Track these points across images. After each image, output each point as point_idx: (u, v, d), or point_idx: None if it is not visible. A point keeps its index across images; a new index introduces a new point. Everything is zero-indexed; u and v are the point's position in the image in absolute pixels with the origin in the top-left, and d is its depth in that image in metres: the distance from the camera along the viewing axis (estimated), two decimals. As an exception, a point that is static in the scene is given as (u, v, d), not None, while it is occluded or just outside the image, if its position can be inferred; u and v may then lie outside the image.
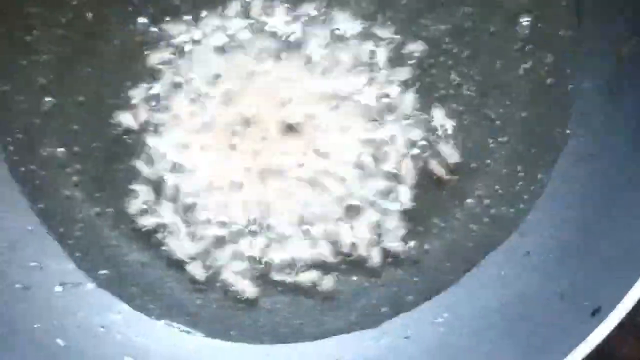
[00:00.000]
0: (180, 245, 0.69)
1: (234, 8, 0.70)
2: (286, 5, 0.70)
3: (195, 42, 0.70)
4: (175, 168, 0.69)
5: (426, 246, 0.70)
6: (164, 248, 0.70)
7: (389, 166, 0.69)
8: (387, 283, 0.70)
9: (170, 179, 0.69)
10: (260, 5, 0.70)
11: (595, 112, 0.68)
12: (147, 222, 0.69)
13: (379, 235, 0.69)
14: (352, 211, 0.69)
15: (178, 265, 0.70)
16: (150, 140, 0.69)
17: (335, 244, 0.69)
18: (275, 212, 0.69)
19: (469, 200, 0.70)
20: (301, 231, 0.69)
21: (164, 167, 0.69)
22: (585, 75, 0.69)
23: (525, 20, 0.70)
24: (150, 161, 0.69)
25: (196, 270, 0.69)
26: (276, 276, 0.69)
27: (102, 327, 0.68)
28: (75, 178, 0.70)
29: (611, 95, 0.68)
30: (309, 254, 0.69)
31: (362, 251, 0.69)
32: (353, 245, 0.69)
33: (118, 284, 0.70)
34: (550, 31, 0.70)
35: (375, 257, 0.69)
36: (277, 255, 0.69)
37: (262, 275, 0.70)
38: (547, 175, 0.70)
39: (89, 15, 0.70)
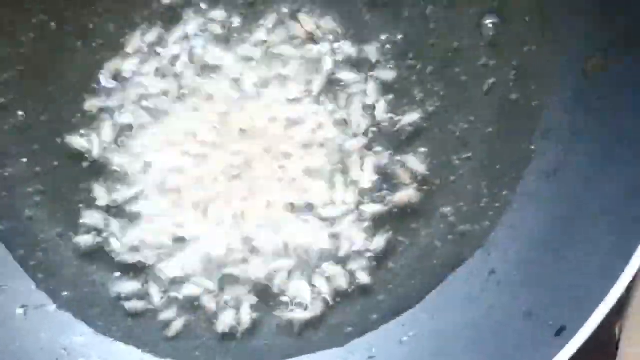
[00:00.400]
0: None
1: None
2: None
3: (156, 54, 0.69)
4: (135, 186, 0.69)
5: (391, 264, 0.69)
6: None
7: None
8: (352, 302, 0.69)
9: (129, 202, 0.69)
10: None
11: (560, 128, 0.68)
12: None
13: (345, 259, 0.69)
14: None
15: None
16: (111, 160, 0.69)
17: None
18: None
19: (433, 218, 0.69)
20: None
21: (123, 191, 0.69)
22: (550, 90, 0.68)
23: (489, 36, 0.69)
24: (109, 181, 0.69)
25: (155, 294, 0.68)
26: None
27: (64, 349, 0.68)
28: (37, 198, 0.69)
29: (576, 110, 0.67)
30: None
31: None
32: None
33: (80, 305, 0.69)
34: (514, 47, 0.69)
35: (341, 280, 0.69)
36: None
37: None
38: (512, 192, 0.69)
39: (51, 33, 0.69)
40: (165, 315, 0.69)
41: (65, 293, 0.69)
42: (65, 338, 0.68)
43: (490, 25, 0.69)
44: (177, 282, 0.69)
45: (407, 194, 0.69)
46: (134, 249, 0.68)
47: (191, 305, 0.69)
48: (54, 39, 0.69)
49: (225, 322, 0.68)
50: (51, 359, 0.67)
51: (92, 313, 0.69)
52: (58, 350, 0.68)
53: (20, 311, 0.68)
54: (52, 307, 0.69)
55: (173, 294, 0.69)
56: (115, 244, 0.68)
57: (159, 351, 0.69)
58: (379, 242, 0.69)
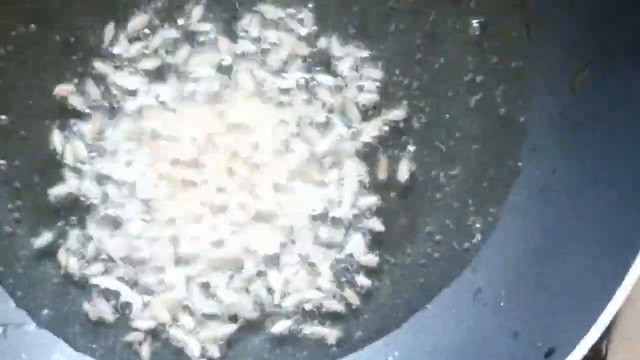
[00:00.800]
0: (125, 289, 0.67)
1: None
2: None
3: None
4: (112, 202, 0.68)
5: (376, 283, 0.68)
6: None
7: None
8: (336, 321, 0.68)
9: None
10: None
11: (547, 145, 0.67)
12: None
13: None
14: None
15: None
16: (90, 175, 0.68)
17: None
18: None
19: (419, 236, 0.69)
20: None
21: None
22: (537, 106, 0.68)
23: (476, 52, 0.68)
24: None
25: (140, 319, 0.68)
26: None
27: (44, 368, 0.67)
28: (16, 215, 0.68)
29: (564, 127, 0.67)
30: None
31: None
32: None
33: (60, 324, 0.68)
34: (501, 62, 0.68)
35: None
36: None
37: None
38: (500, 209, 0.69)
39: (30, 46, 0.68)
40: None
41: (45, 311, 0.68)
42: (45, 357, 0.67)
43: (477, 41, 0.68)
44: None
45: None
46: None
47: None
48: (35, 53, 0.68)
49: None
50: (31, 379, 0.66)
51: (72, 331, 0.68)
52: (38, 370, 0.67)
53: (-1, 330, 0.67)
54: (32, 325, 0.68)
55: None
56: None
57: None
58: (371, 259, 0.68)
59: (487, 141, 0.69)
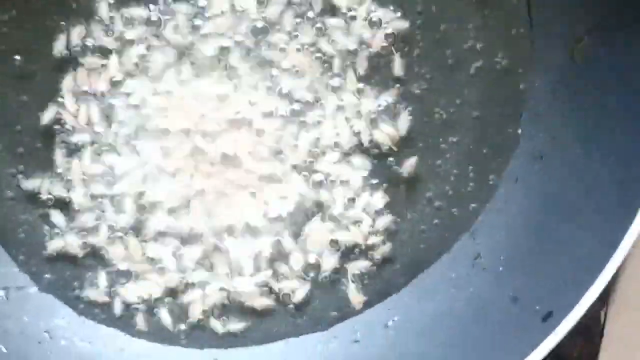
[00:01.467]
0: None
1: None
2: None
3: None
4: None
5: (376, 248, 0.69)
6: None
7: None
8: (337, 286, 0.69)
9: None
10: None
11: (547, 112, 0.68)
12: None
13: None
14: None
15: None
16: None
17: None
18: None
19: (419, 202, 0.69)
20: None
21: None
22: (537, 74, 0.68)
23: (476, 18, 0.68)
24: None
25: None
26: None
27: (46, 332, 0.67)
28: (19, 178, 0.68)
29: (563, 94, 0.67)
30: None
31: (312, 260, 0.69)
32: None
33: (62, 287, 0.68)
34: (501, 29, 0.68)
35: (326, 264, 0.68)
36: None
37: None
38: (499, 176, 0.69)
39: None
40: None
41: (47, 275, 0.68)
42: (47, 321, 0.67)
43: (478, 8, 0.68)
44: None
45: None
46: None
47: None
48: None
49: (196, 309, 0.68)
50: (33, 342, 0.67)
51: (74, 295, 0.68)
52: (40, 334, 0.67)
53: (1, 293, 0.67)
54: (34, 289, 0.68)
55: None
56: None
57: (142, 334, 0.68)
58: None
59: (487, 108, 0.69)
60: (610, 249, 0.59)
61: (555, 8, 0.66)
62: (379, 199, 0.68)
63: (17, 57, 0.68)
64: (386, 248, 0.69)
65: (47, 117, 0.68)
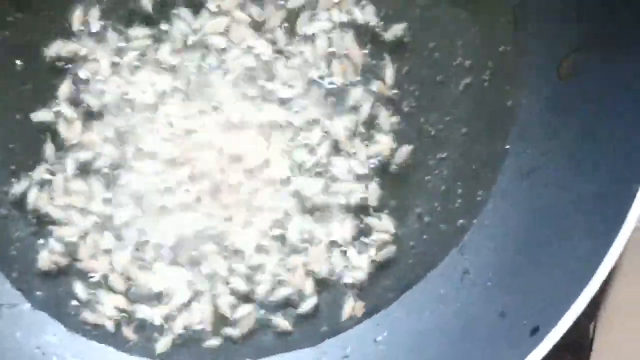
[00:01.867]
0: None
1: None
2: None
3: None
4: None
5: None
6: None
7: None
8: (326, 301, 0.69)
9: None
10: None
11: (535, 128, 0.68)
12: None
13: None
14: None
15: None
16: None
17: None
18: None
19: (408, 217, 0.69)
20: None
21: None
22: (525, 91, 0.69)
23: (465, 36, 0.69)
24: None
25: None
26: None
27: (38, 348, 0.68)
28: (11, 196, 0.69)
29: (551, 111, 0.67)
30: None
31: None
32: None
33: (54, 304, 0.68)
34: (489, 47, 0.69)
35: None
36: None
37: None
38: (487, 192, 0.69)
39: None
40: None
41: (40, 292, 0.69)
42: (39, 337, 0.68)
43: (466, 26, 0.69)
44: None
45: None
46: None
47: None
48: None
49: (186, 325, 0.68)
50: (24, 359, 0.67)
51: (66, 311, 0.69)
52: (32, 350, 0.67)
53: (-6, 310, 0.68)
54: (27, 305, 0.68)
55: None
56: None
57: (134, 350, 0.68)
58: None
59: (476, 125, 0.69)
60: (597, 264, 0.59)
61: (542, 26, 0.67)
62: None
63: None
64: (375, 263, 0.69)
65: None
